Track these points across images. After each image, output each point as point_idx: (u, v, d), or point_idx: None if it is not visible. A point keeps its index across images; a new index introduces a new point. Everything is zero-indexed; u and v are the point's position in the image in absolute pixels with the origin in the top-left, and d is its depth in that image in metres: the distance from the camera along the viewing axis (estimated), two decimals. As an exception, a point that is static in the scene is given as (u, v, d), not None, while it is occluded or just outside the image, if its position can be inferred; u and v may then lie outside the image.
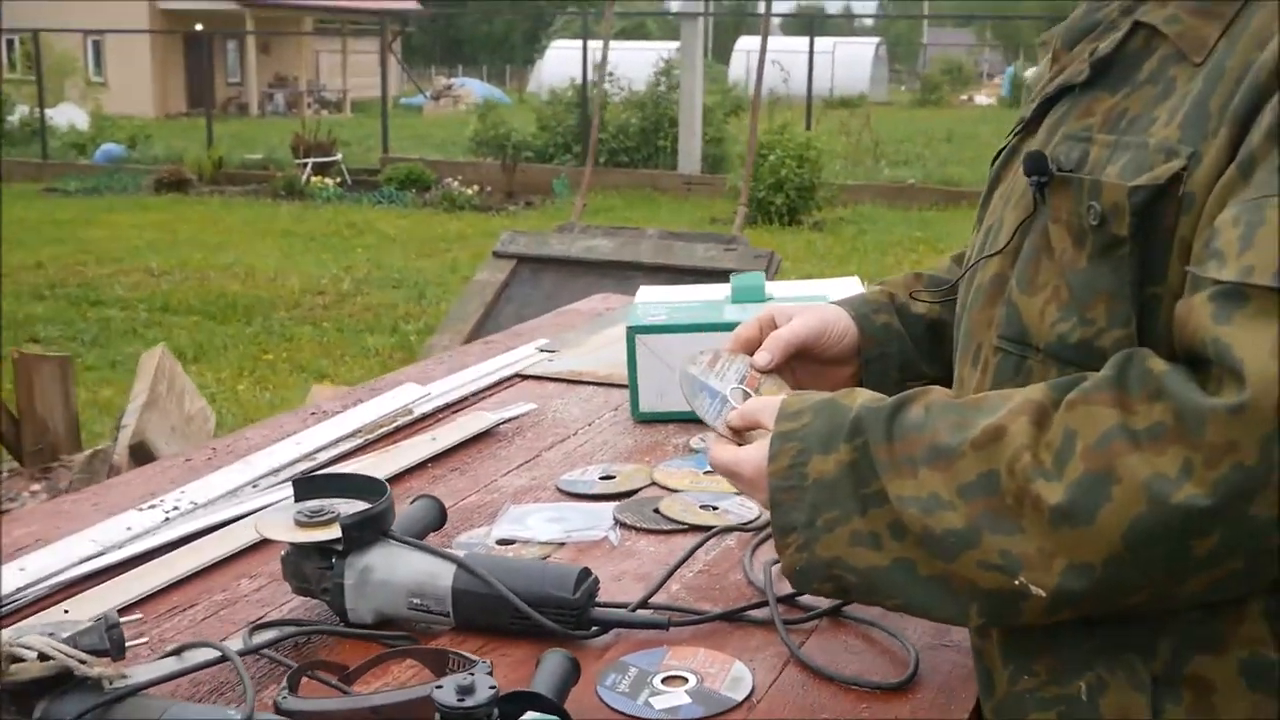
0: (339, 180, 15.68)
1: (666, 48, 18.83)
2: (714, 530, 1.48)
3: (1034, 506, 0.92)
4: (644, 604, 1.29)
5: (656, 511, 1.57)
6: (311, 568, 1.25)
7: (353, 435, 1.87)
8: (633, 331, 1.92)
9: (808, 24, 19.50)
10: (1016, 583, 0.93)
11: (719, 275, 4.61)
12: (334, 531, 1.23)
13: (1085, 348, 0.99)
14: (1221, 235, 0.89)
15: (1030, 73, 1.25)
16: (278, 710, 1.02)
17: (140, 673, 1.05)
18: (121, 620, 1.06)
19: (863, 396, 1.08)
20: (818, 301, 1.98)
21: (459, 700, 0.94)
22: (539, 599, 1.22)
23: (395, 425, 1.92)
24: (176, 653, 1.11)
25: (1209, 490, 0.84)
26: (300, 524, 1.25)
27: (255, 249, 11.42)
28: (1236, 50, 0.95)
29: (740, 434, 1.19)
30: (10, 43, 29.34)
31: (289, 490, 1.59)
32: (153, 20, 30.62)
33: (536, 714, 0.97)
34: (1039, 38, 1.23)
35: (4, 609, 1.30)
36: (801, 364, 1.36)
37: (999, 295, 1.09)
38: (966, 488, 0.96)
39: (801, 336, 1.34)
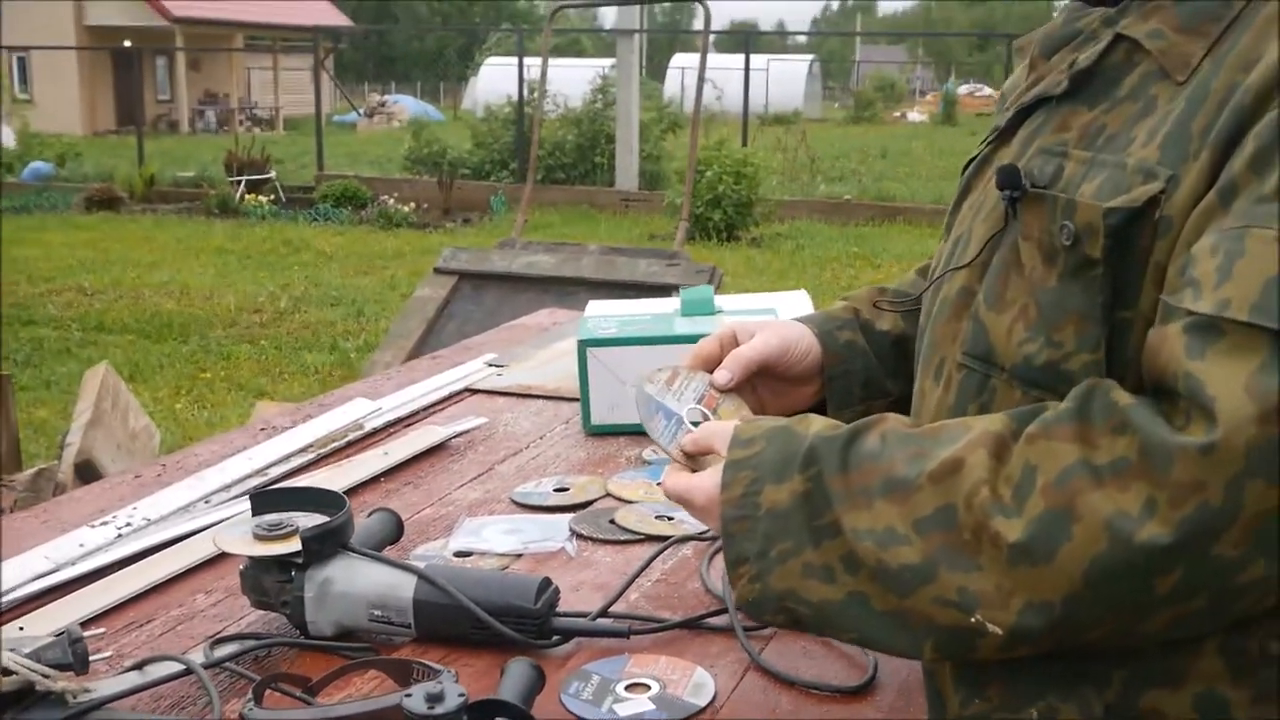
0: (273, 198, 15.54)
1: (602, 65, 18.87)
2: (670, 540, 1.50)
3: (992, 543, 0.89)
4: (604, 613, 1.30)
5: (612, 523, 1.58)
6: (271, 581, 1.25)
7: (304, 450, 1.86)
8: (584, 345, 1.93)
9: (742, 41, 19.61)
10: (973, 620, 0.91)
11: (662, 290, 4.66)
12: (293, 545, 1.23)
13: (1051, 370, 0.96)
14: (1198, 264, 0.86)
15: (1007, 81, 1.22)
16: (244, 723, 1.02)
17: (103, 687, 1.04)
18: (84, 635, 1.06)
19: (817, 424, 1.05)
20: (768, 314, 2.02)
21: (429, 708, 0.94)
22: (500, 609, 1.22)
23: (346, 440, 1.92)
24: (139, 667, 1.11)
25: (1172, 529, 0.82)
26: (259, 538, 1.24)
27: (190, 267, 11.29)
28: (1221, 71, 0.92)
29: (694, 458, 1.16)
30: (-67, 59, 28.89)
31: (242, 505, 1.59)
32: (79, 36, 30.25)
33: (504, 721, 0.98)
34: (1015, 43, 1.18)
35: (-43, 627, 1.28)
36: (764, 382, 1.33)
37: (965, 309, 1.07)
38: (923, 521, 0.93)
39: (763, 354, 1.30)
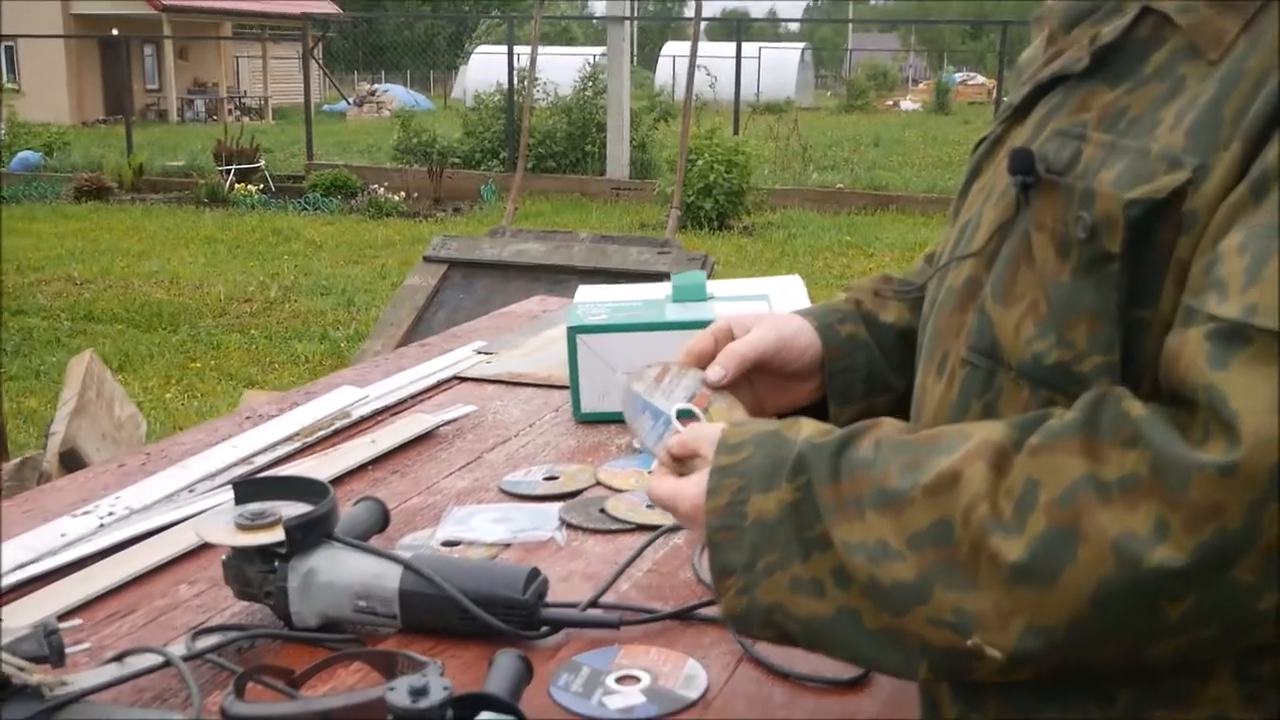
0: (263, 187, 15.47)
1: (592, 53, 18.82)
2: (661, 529, 1.47)
3: (991, 562, 0.83)
4: (594, 603, 1.28)
5: (602, 511, 1.55)
6: (254, 571, 1.22)
7: (290, 439, 1.84)
8: (574, 331, 1.91)
9: (733, 29, 19.55)
10: (969, 643, 0.85)
11: (653, 278, 4.63)
12: (277, 534, 1.20)
13: (1062, 371, 0.90)
14: (1225, 263, 0.80)
15: (1023, 55, 1.14)
16: (225, 716, 1.00)
17: (82, 680, 1.02)
18: (60, 626, 1.03)
19: (808, 429, 0.99)
20: (761, 299, 1.99)
21: (413, 701, 0.92)
22: (488, 599, 1.20)
23: (333, 428, 1.90)
24: (118, 659, 1.09)
25: (1186, 554, 0.76)
26: (242, 527, 1.22)
27: (179, 256, 11.24)
28: (1257, 51, 0.84)
29: (681, 462, 1.08)
30: (-79, 48, 28.78)
31: (227, 494, 1.57)
32: (66, 25, 30.11)
33: (491, 714, 0.95)
34: (1034, 13, 1.09)
35: (-66, 619, 1.26)
36: (761, 378, 1.25)
37: (971, 301, 1.00)
38: (917, 537, 0.87)
39: (759, 350, 1.22)
